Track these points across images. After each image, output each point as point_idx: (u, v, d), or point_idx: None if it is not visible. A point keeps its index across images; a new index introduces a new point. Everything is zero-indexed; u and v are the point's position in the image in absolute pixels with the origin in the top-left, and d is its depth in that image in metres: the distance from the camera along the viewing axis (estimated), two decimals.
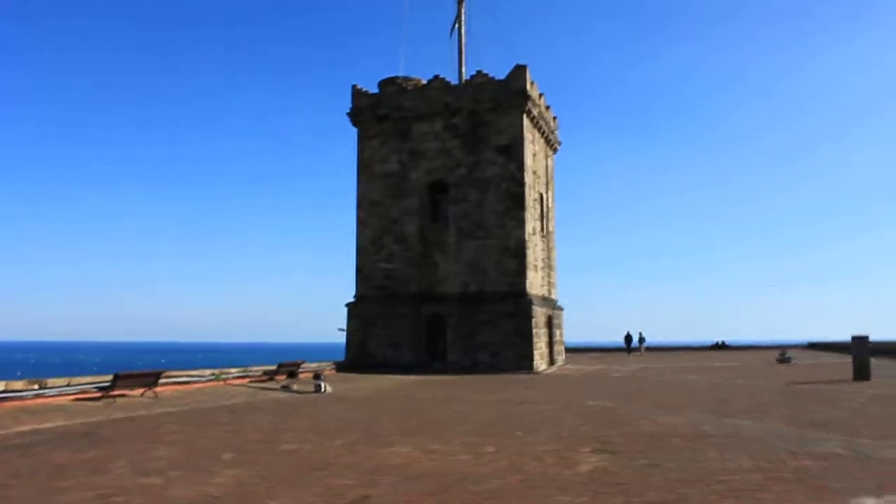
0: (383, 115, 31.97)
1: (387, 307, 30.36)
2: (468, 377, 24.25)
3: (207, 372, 19.83)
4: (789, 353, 40.62)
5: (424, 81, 32.45)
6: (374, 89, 32.77)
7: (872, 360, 22.25)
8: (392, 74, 32.85)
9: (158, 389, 16.48)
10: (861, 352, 21.75)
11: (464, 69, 34.08)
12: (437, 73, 32.11)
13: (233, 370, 21.08)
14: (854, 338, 22.44)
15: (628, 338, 53.45)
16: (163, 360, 78.73)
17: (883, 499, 5.96)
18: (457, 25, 35.03)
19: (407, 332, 29.82)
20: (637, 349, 52.41)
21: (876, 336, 26.25)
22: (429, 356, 29.14)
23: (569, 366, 32.77)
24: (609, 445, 9.12)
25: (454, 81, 32.57)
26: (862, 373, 21.00)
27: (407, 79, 32.99)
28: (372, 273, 31.23)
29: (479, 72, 32.11)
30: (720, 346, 68.36)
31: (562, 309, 35.02)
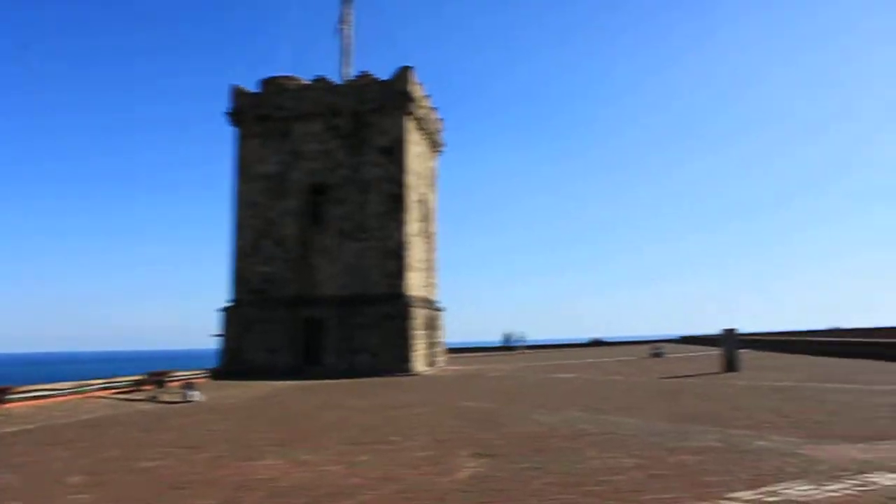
0: (264, 115, 31.02)
1: (264, 311, 29.40)
2: (346, 381, 23.67)
3: (67, 385, 18.45)
4: (662, 348, 42.09)
5: (307, 81, 31.67)
6: (255, 89, 31.79)
7: (741, 353, 23.15)
8: (276, 75, 31.98)
9: (9, 406, 15.14)
10: (730, 344, 22.59)
11: (349, 69, 33.49)
12: (323, 73, 31.47)
13: (96, 382, 19.75)
14: (723, 331, 23.29)
15: (507, 337, 54.10)
16: (17, 374, 73.86)
17: (758, 491, 5.90)
18: (342, 25, 34.36)
19: (284, 336, 28.95)
20: (517, 348, 53.11)
21: (745, 329, 27.47)
22: (307, 361, 28.34)
23: (449, 367, 32.65)
24: (488, 449, 8.84)
25: (339, 82, 31.95)
26: (731, 365, 21.80)
27: (289, 78, 32.14)
28: (249, 276, 30.19)
29: (363, 72, 31.65)
30: (597, 343, 70.34)
31: (442, 310, 34.89)
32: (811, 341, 35.26)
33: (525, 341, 56.26)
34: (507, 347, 54.80)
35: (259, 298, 29.75)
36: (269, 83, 31.91)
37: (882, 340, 28.63)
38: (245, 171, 31.04)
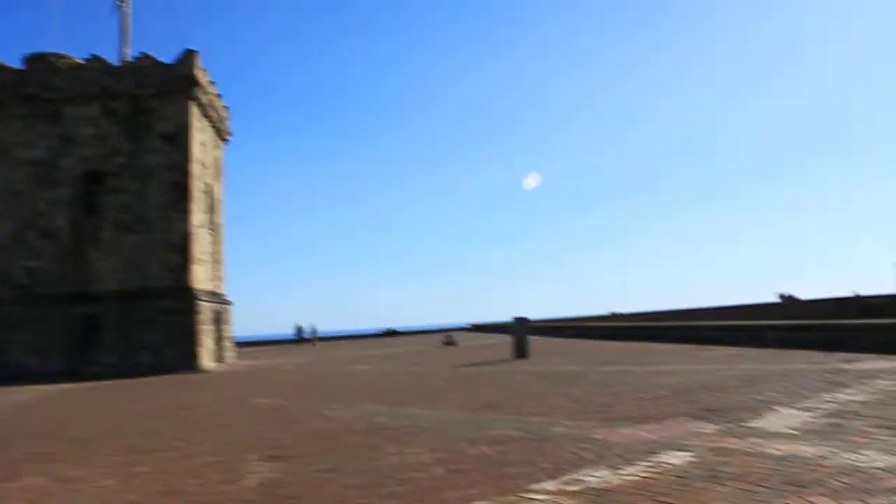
0: (29, 95, 28.07)
1: (30, 310, 26.74)
2: (127, 381, 21.97)
3: None
4: (454, 337, 42.99)
5: (81, 61, 29.02)
6: (19, 66, 28.67)
7: (531, 339, 23.96)
8: (45, 51, 29.04)
9: None
10: (521, 331, 23.28)
11: (128, 50, 31.12)
12: (99, 53, 28.95)
13: None
14: (515, 318, 23.98)
15: (299, 329, 53.15)
16: None
17: (560, 480, 5.84)
18: (120, 3, 31.81)
19: (55, 336, 26.47)
20: (310, 340, 52.31)
21: (534, 315, 28.57)
22: (84, 362, 26.09)
23: (239, 362, 31.40)
24: (280, 450, 8.28)
25: (117, 63, 29.55)
26: (523, 352, 22.48)
27: (60, 56, 29.38)
28: (11, 272, 27.28)
29: (143, 54, 29.51)
30: (391, 333, 70.83)
31: (230, 304, 33.47)
32: (595, 326, 37.47)
33: (318, 333, 55.54)
34: (300, 340, 53.81)
35: (24, 296, 26.97)
36: (36, 60, 29.04)
37: (656, 324, 30.88)
38: (6, 157, 27.98)
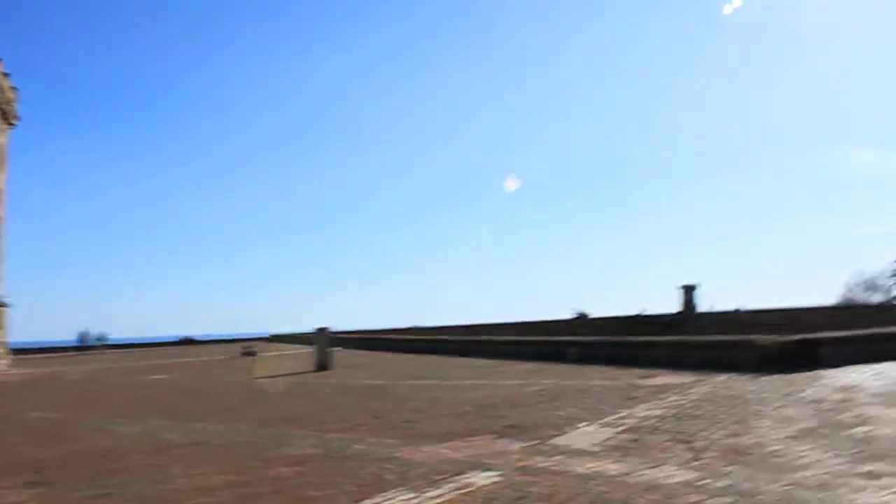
0: None
1: None
2: None
3: None
4: (254, 347, 41.57)
5: None
6: None
7: (334, 351, 23.41)
8: None
9: None
10: (322, 343, 22.68)
11: None
12: None
13: None
14: (316, 329, 23.33)
15: (84, 336, 49.36)
16: None
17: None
18: None
19: None
20: (96, 347, 48.74)
21: (337, 327, 28.00)
22: None
23: (14, 370, 28.45)
24: (49, 473, 7.26)
25: None
26: (324, 363, 21.88)
27: None
28: None
29: None
30: (188, 342, 67.62)
31: (6, 305, 30.33)
32: (398, 339, 37.41)
33: (107, 340, 51.83)
34: (86, 347, 49.93)
35: None
36: None
37: (459, 338, 31.23)
38: None
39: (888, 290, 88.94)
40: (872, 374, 11.26)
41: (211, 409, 12.67)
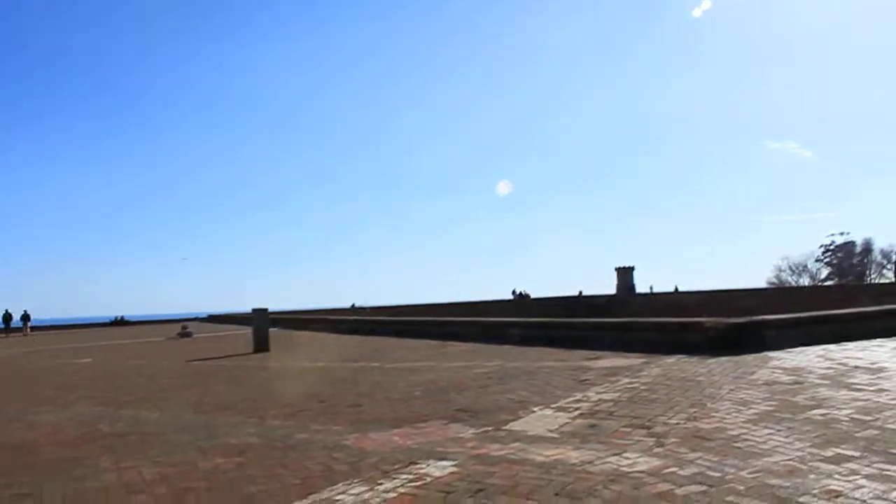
0: None
1: None
2: None
3: None
4: (189, 328, 40.52)
5: None
6: None
7: (272, 331, 22.81)
8: None
9: None
10: (261, 323, 22.07)
11: None
12: None
13: None
14: (254, 310, 22.69)
15: (7, 316, 47.36)
16: None
17: (311, 500, 5.05)
18: None
19: None
20: (20, 329, 46.91)
21: (276, 307, 27.40)
22: None
23: None
24: None
25: None
26: (263, 345, 21.29)
27: None
28: None
29: None
30: (119, 322, 65.80)
31: None
32: (338, 319, 36.81)
33: (31, 321, 49.86)
34: (7, 329, 47.94)
35: None
36: None
37: (400, 318, 30.85)
38: None
39: (814, 274, 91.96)
40: (816, 357, 11.27)
41: (143, 395, 12.04)
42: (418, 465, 5.79)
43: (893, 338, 13.44)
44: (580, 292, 61.45)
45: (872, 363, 10.26)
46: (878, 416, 6.65)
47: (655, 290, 63.45)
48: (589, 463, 5.54)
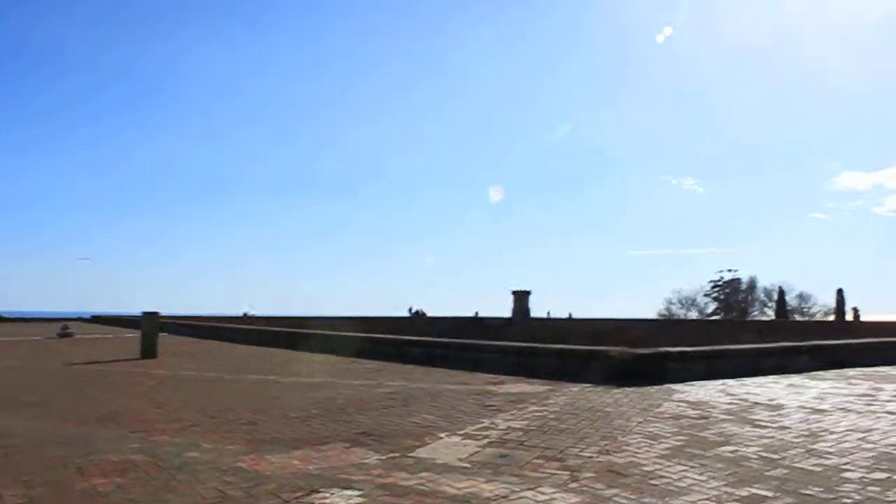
0: None
1: None
2: None
3: None
4: (70, 328, 38.41)
5: None
6: None
7: (162, 337, 21.73)
8: None
9: None
10: (150, 327, 20.98)
11: None
12: None
13: None
14: (144, 313, 21.57)
15: None
16: None
17: None
18: None
19: None
20: None
21: (165, 311, 26.19)
22: None
23: None
24: None
25: None
26: (151, 351, 20.22)
27: None
28: None
29: None
30: None
31: None
32: (230, 328, 35.55)
33: None
34: None
35: None
36: None
37: (298, 330, 29.96)
38: None
39: (702, 308, 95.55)
40: (717, 391, 11.39)
41: (13, 402, 11.05)
42: (321, 494, 5.36)
43: (784, 374, 13.84)
44: (476, 313, 61.75)
45: (770, 400, 10.42)
46: (784, 454, 6.63)
47: (553, 314, 64.41)
48: (504, 497, 5.24)
